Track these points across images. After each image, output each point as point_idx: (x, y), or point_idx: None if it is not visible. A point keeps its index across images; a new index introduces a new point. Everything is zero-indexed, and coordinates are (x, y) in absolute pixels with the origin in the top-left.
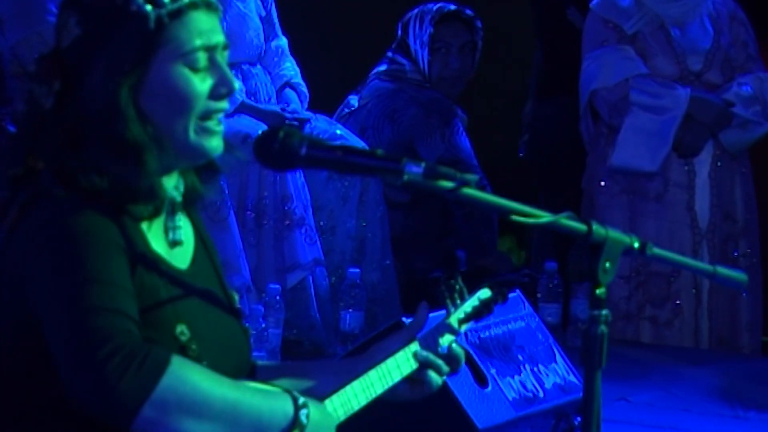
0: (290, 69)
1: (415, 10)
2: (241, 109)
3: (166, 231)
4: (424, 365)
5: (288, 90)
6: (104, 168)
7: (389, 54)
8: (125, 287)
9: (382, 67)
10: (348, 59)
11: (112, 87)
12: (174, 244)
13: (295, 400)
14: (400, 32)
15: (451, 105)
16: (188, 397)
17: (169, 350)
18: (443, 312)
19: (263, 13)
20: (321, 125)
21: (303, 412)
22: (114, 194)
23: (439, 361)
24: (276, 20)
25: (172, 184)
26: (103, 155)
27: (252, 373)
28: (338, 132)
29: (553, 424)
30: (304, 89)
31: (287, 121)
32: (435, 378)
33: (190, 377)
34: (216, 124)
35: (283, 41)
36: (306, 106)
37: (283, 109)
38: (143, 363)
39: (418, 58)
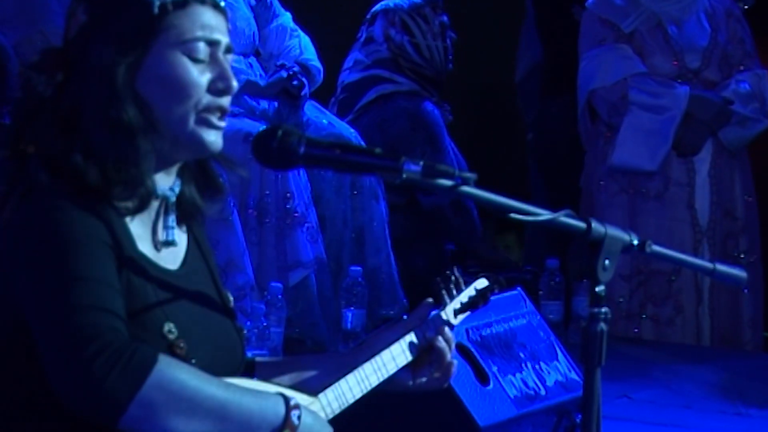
0: (295, 47)
1: (396, 12)
2: (242, 88)
3: (153, 231)
4: (429, 346)
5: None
6: (94, 150)
7: (374, 73)
8: (111, 284)
9: (377, 90)
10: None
11: (110, 65)
12: (166, 244)
13: (286, 401)
14: (403, 37)
15: (441, 118)
16: (176, 396)
17: (157, 349)
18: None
19: (253, 2)
20: (311, 112)
21: (294, 413)
22: (100, 180)
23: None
24: (274, 1)
25: (168, 184)
26: (96, 136)
27: (251, 370)
28: (324, 122)
29: (555, 422)
30: (315, 63)
31: (289, 75)
32: (445, 352)
33: (178, 376)
34: (217, 119)
35: (285, 18)
36: (320, 78)
37: (282, 66)
38: (129, 361)
39: (433, 52)
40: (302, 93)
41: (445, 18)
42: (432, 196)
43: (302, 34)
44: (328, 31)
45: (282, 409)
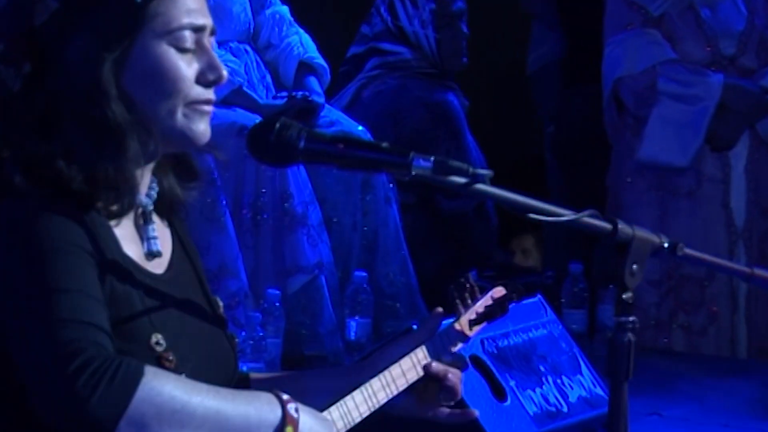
0: (297, 45)
1: None
2: (236, 95)
3: (139, 236)
4: (434, 377)
5: (311, 79)
6: (77, 154)
7: (373, 45)
8: (94, 296)
9: (376, 61)
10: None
11: (94, 61)
12: (149, 255)
13: (279, 397)
14: (387, 17)
15: (461, 109)
16: (166, 408)
17: (144, 362)
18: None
19: None
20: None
21: (291, 406)
22: (83, 185)
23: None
24: None
25: (144, 188)
26: (79, 139)
27: (245, 385)
28: (333, 117)
29: None
30: (320, 61)
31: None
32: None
33: (166, 387)
34: (205, 105)
35: (282, 8)
36: (328, 77)
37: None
38: (114, 377)
39: (421, 40)
40: (319, 106)
41: (458, 6)
42: (455, 201)
43: (300, 30)
44: (328, 27)
45: (278, 406)
